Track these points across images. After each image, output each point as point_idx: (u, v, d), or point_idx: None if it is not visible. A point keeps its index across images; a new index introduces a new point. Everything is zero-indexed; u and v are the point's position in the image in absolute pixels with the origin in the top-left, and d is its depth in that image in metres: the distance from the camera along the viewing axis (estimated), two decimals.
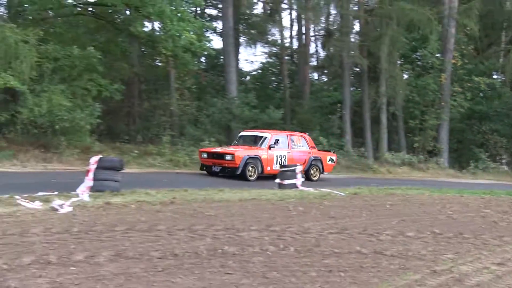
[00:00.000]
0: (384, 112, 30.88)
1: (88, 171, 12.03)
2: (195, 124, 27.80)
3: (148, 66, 31.64)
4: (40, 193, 10.93)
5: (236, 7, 31.03)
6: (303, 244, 7.91)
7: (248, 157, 18.33)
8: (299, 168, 16.59)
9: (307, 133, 21.78)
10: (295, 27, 39.13)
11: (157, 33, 25.66)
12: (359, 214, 11.44)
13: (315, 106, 33.28)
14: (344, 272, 6.49)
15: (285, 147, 19.67)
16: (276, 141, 19.27)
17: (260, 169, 18.57)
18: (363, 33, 32.98)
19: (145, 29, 26.27)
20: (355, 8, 33.28)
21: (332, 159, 21.32)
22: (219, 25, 34.95)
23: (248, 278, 6.03)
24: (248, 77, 41.16)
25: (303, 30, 36.89)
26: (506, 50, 36.72)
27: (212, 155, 19.13)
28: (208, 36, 30.01)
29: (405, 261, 7.18)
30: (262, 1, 38.71)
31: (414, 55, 34.72)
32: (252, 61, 61.02)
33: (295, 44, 40.23)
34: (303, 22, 36.46)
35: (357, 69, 33.96)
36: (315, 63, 42.09)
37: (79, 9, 24.59)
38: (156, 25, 26.38)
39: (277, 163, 18.95)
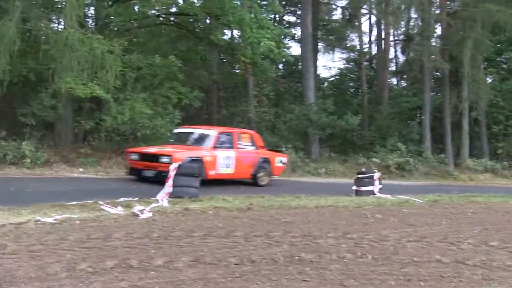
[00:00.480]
0: (466, 118, 30.02)
1: (167, 177, 12.35)
2: (272, 130, 27.94)
3: (227, 73, 32.13)
4: (122, 199, 11.31)
5: (315, 13, 31.03)
6: (381, 252, 7.80)
7: (189, 159, 15.09)
8: (376, 175, 16.38)
9: (254, 130, 19.61)
10: (374, 32, 38.72)
11: (237, 40, 26.00)
12: (439, 222, 11.18)
13: (393, 112, 32.74)
14: (424, 281, 6.36)
15: (231, 146, 16.90)
16: (221, 140, 16.64)
17: (202, 173, 14.98)
18: (444, 36, 32.17)
19: (225, 37, 26.68)
20: (437, 11, 32.57)
21: (282, 161, 18.80)
22: (297, 31, 35.11)
23: (325, 286, 6.01)
24: (326, 83, 41.01)
25: (383, 35, 36.41)
26: None
27: (143, 156, 15.82)
28: (287, 43, 30.32)
29: (489, 272, 6.95)
30: (341, 7, 38.56)
31: (499, 58, 33.74)
32: (330, 67, 60.52)
33: (374, 49, 39.79)
34: (382, 27, 36.00)
35: (438, 73, 33.19)
36: (394, 68, 41.42)
37: (161, 19, 25.27)
38: (236, 33, 26.72)
39: (222, 166, 16.28)
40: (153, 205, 10.84)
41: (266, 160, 17.83)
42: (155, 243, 7.53)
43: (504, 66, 33.61)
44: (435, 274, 6.72)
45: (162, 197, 11.78)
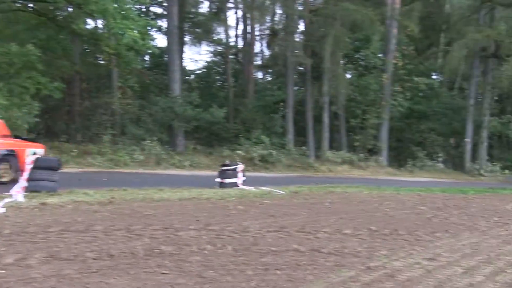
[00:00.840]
0: (326, 111, 31.31)
1: (23, 171, 11.79)
2: (137, 123, 27.54)
3: (90, 64, 31.15)
4: None
5: (182, 5, 30.87)
6: (241, 243, 7.90)
7: None
8: (240, 167, 16.60)
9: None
10: (241, 26, 39.19)
11: (100, 31, 25.27)
12: (298, 212, 11.52)
13: (258, 105, 33.45)
14: (280, 270, 6.50)
15: None
16: None
17: None
18: (307, 32, 33.31)
19: (88, 26, 25.88)
20: (300, 8, 33.55)
21: (36, 153, 14.79)
22: (164, 23, 34.71)
23: (184, 278, 5.99)
24: (192, 76, 40.99)
25: (248, 29, 36.95)
26: (445, 51, 37.80)
27: None
28: (152, 35, 29.91)
29: (341, 258, 7.25)
30: (208, 0, 38.66)
31: (357, 55, 35.38)
32: (196, 60, 60.83)
33: (240, 43, 40.30)
34: (248, 21, 36.50)
35: (301, 68, 34.24)
36: (259, 62, 42.19)
37: (18, 5, 23.94)
38: (99, 22, 25.97)
39: None
40: (7, 200, 10.28)
41: (11, 153, 14.19)
42: (6, 240, 7.14)
43: (361, 62, 35.28)
44: (292, 262, 6.90)
45: (17, 191, 11.22)
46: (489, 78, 35.10)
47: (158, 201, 11.91)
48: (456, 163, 36.08)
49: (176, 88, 28.16)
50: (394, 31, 32.38)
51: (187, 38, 38.08)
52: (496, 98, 39.83)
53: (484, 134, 34.99)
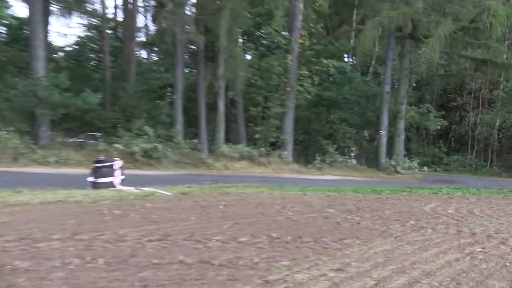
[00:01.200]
0: (222, 98, 31.36)
1: None
2: None
3: None
4: None
5: None
6: (115, 254, 7.77)
7: None
8: (118, 164, 16.34)
9: None
10: None
11: None
12: (186, 217, 11.49)
13: (141, 90, 33.15)
14: (162, 286, 6.44)
15: None
16: None
17: None
18: (200, 5, 33.19)
19: None
20: None
21: None
22: None
23: None
24: (61, 54, 40.06)
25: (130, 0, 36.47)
26: (358, 30, 38.76)
27: None
28: (8, 1, 28.90)
29: (234, 271, 7.25)
30: None
31: (258, 33, 35.64)
32: (66, 35, 59.48)
33: (120, 16, 39.76)
34: None
35: (193, 47, 34.15)
36: (143, 39, 41.85)
37: None
38: None
39: None
40: None
41: None
42: None
43: (263, 41, 35.57)
44: (176, 277, 6.85)
45: None
46: (406, 62, 36.38)
47: (14, 206, 11.56)
48: (370, 159, 37.28)
49: (40, 67, 27.31)
50: (300, 6, 32.89)
51: (54, 8, 36.99)
52: (414, 85, 41.58)
53: (401, 125, 36.26)
